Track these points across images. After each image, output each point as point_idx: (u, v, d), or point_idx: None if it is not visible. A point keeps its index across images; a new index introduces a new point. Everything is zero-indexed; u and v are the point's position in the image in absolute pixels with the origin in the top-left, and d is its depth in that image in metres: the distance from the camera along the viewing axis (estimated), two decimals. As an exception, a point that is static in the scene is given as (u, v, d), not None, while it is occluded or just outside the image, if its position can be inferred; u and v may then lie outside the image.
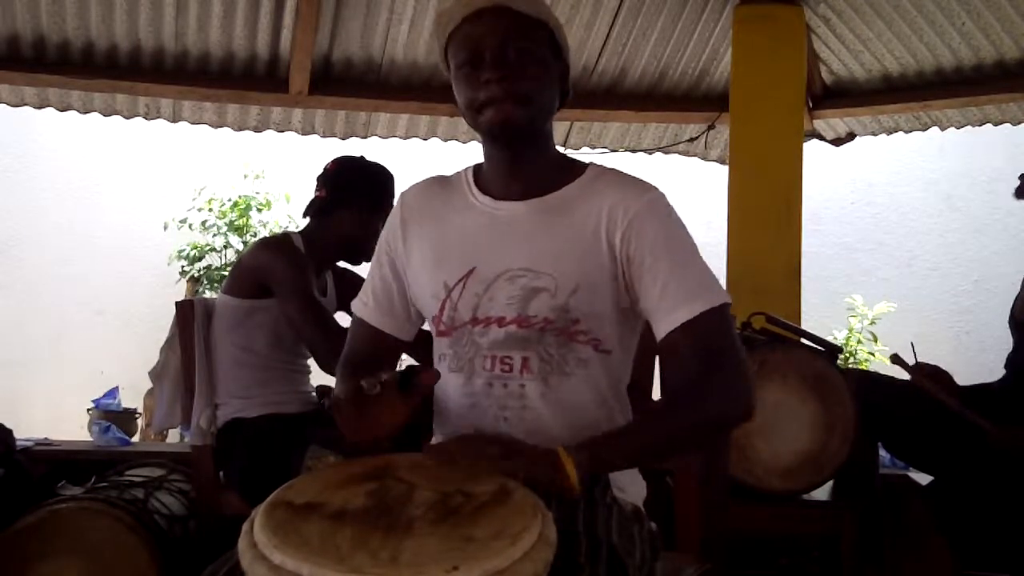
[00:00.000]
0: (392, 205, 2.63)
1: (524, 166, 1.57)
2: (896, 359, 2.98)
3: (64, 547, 2.59)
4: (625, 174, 1.60)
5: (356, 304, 1.70)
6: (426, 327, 1.72)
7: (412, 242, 1.63)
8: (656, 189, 1.57)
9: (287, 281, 2.63)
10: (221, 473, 2.76)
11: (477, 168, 1.65)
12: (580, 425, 1.49)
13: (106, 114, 4.50)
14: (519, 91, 1.49)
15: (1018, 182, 2.92)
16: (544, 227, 1.54)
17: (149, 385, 3.29)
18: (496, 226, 1.57)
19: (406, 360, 2.76)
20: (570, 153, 1.70)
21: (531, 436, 1.47)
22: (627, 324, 1.55)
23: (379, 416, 1.37)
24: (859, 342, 5.21)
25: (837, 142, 5.02)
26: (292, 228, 4.35)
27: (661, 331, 1.49)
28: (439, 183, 1.68)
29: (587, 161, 1.64)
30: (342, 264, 2.94)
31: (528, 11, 1.52)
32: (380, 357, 1.68)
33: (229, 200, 5.39)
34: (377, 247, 1.70)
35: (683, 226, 1.56)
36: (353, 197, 2.79)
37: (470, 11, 1.51)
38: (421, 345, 2.05)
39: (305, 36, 4.19)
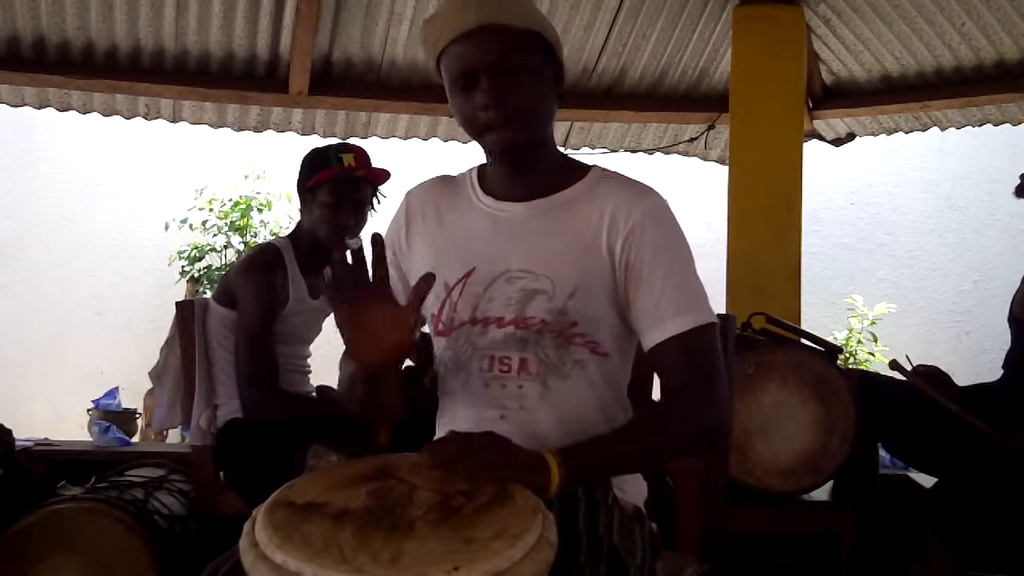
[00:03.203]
0: (320, 176, 2.68)
1: (527, 169, 1.57)
2: (895, 365, 2.97)
3: (64, 547, 2.59)
4: (627, 178, 1.59)
5: None
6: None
7: (415, 241, 1.64)
8: (657, 194, 1.57)
9: (244, 314, 2.73)
10: (221, 473, 2.77)
11: (481, 168, 1.65)
12: (578, 426, 1.50)
13: (106, 114, 4.50)
14: (517, 113, 1.48)
15: (1018, 181, 2.92)
16: (544, 229, 1.54)
17: (149, 385, 3.30)
18: (497, 227, 1.57)
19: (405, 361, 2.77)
20: (570, 153, 1.69)
21: (529, 436, 1.47)
22: (625, 328, 1.55)
23: (384, 334, 1.38)
24: (859, 342, 5.21)
25: (837, 142, 5.02)
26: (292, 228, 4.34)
27: (650, 341, 1.50)
28: (444, 183, 1.68)
29: (589, 163, 1.64)
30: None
31: (517, 23, 1.50)
32: None
33: (230, 200, 5.40)
34: None
35: (682, 236, 1.56)
36: (298, 194, 2.83)
37: (459, 32, 1.49)
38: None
39: (305, 36, 4.19)
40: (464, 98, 1.51)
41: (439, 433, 1.63)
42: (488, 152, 1.57)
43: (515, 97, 1.48)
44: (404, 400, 1.41)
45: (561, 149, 1.66)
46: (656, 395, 2.03)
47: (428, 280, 1.42)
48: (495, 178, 1.61)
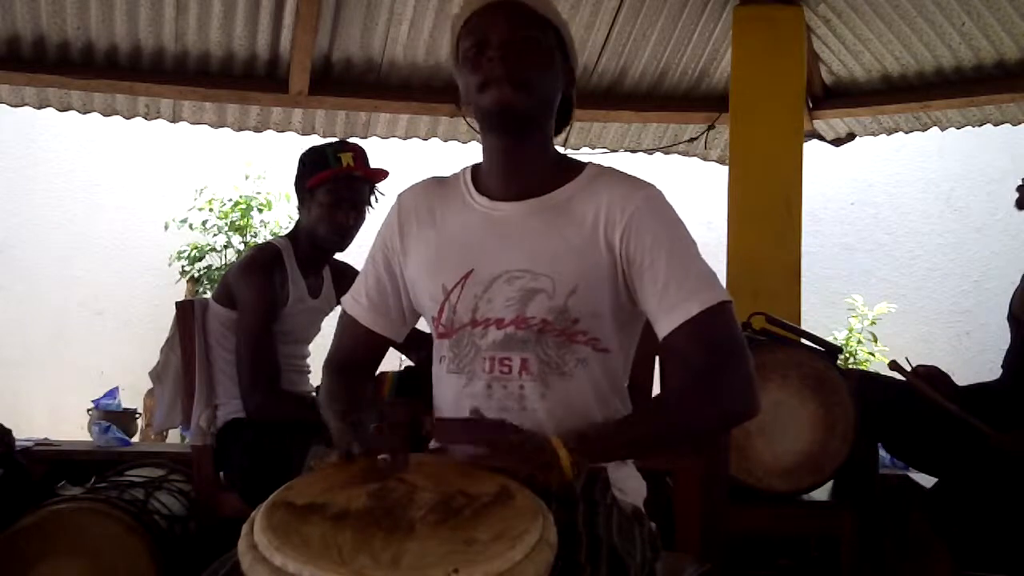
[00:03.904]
0: (319, 177, 2.67)
1: (522, 165, 1.57)
2: (894, 365, 2.97)
3: (64, 547, 2.59)
4: (622, 172, 1.60)
5: (347, 302, 1.70)
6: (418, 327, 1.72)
7: (409, 243, 1.63)
8: (653, 186, 1.57)
9: (244, 315, 2.72)
10: (221, 473, 2.77)
11: (475, 168, 1.65)
12: (581, 423, 1.49)
13: (106, 114, 4.50)
14: (520, 75, 1.49)
15: (1017, 194, 2.94)
16: (542, 228, 1.54)
17: (149, 385, 3.30)
18: (494, 227, 1.56)
19: (405, 361, 2.77)
20: (570, 153, 1.69)
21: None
22: (626, 322, 1.55)
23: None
24: (859, 342, 5.21)
25: (837, 142, 5.02)
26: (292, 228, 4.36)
27: (662, 331, 1.49)
28: (436, 184, 1.67)
29: (586, 161, 1.64)
30: (341, 258, 2.94)
31: (538, 8, 1.54)
32: (369, 356, 1.70)
33: (230, 200, 5.40)
34: (372, 246, 1.70)
35: (681, 223, 1.55)
36: (296, 192, 2.83)
37: (482, 4, 1.53)
38: (411, 344, 2.04)
39: (305, 36, 4.19)
40: (473, 60, 1.52)
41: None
42: (484, 119, 1.55)
43: (521, 60, 1.50)
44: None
45: (561, 149, 1.66)
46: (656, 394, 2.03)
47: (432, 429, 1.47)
48: (489, 176, 1.60)
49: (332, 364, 1.70)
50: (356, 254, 2.65)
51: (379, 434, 1.35)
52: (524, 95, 1.50)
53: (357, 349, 1.69)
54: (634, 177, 1.58)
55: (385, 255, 1.66)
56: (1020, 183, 2.95)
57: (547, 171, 1.59)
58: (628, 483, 1.58)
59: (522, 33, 1.51)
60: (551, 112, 1.58)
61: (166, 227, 5.39)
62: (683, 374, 1.49)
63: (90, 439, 3.76)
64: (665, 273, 1.48)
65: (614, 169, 1.61)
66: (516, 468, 1.27)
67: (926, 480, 3.07)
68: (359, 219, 2.78)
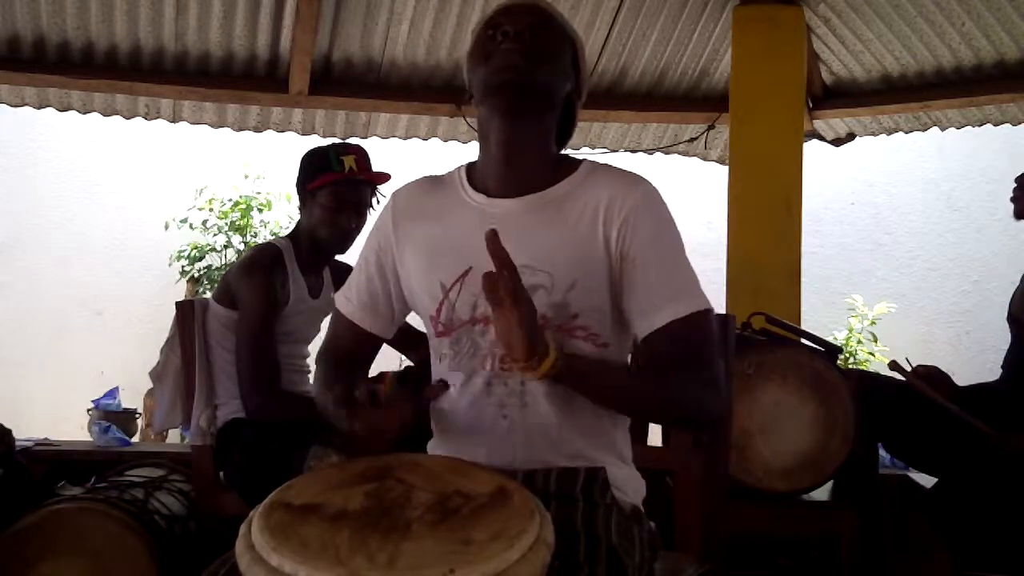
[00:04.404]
0: (321, 180, 2.67)
1: (520, 158, 1.57)
2: (894, 365, 2.97)
3: (64, 547, 2.59)
4: (618, 169, 1.60)
5: (339, 298, 1.71)
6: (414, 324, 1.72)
7: (404, 242, 1.63)
8: (648, 183, 1.58)
9: (244, 316, 2.72)
10: (221, 473, 2.77)
11: (470, 166, 1.65)
12: (580, 419, 1.50)
13: (106, 114, 4.51)
14: (529, 49, 1.51)
15: (1012, 204, 2.95)
16: (539, 224, 1.54)
17: (149, 385, 3.29)
18: (491, 223, 1.56)
19: (404, 361, 2.78)
20: (570, 153, 1.69)
21: (533, 434, 1.48)
22: (623, 316, 1.55)
23: (386, 420, 1.39)
24: (859, 342, 5.21)
25: (837, 142, 5.02)
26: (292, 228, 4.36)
27: (643, 330, 1.50)
28: (431, 182, 1.68)
29: (581, 158, 1.64)
30: (341, 258, 2.93)
31: (555, 16, 1.58)
32: (360, 352, 1.71)
33: (230, 200, 5.40)
34: (365, 245, 1.70)
35: (674, 224, 1.56)
36: (298, 193, 2.83)
37: (503, 5, 1.57)
38: (411, 344, 2.04)
39: (305, 36, 4.20)
40: (485, 41, 1.55)
41: (436, 432, 1.62)
42: (486, 92, 1.54)
43: (532, 40, 1.52)
44: (406, 418, 1.42)
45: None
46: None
47: (436, 392, 1.50)
48: (486, 173, 1.60)
49: (327, 355, 1.71)
50: (356, 255, 2.65)
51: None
52: (530, 66, 1.51)
53: (348, 345, 1.70)
54: (630, 172, 1.59)
55: (377, 254, 1.66)
56: (1012, 194, 2.96)
57: (544, 168, 1.59)
58: (627, 483, 1.58)
59: (538, 29, 1.54)
60: (552, 104, 1.58)
61: (166, 227, 5.39)
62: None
63: (90, 439, 3.76)
64: (656, 272, 1.50)
65: (609, 165, 1.62)
66: (508, 345, 1.35)
67: (926, 480, 3.07)
68: (360, 222, 2.78)
